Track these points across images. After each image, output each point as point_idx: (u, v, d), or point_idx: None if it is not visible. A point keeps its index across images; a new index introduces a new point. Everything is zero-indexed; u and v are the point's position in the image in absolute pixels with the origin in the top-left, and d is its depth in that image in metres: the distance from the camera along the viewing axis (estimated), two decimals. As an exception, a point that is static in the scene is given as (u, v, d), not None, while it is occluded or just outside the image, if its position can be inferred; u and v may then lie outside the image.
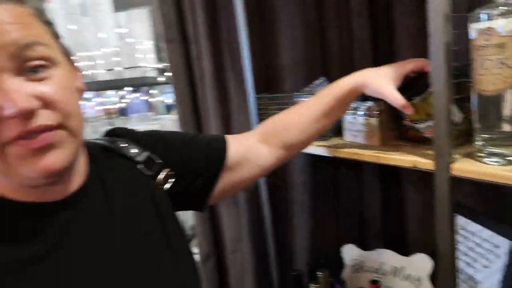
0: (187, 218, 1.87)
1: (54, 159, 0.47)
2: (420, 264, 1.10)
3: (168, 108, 3.23)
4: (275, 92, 1.21)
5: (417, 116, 0.78)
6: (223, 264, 1.52)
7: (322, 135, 1.07)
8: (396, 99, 0.73)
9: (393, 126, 0.95)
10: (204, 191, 0.74)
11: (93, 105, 4.53)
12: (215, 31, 1.31)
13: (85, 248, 0.53)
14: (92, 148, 0.62)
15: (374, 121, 0.93)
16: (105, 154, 0.63)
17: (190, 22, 1.34)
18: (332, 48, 1.23)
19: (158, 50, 1.85)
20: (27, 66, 0.45)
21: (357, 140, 0.98)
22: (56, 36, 0.52)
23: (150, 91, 4.21)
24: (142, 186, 0.64)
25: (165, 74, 1.75)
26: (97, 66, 1.72)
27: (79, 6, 1.70)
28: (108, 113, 3.28)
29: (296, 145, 0.84)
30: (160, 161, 0.67)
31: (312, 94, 1.10)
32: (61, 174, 0.50)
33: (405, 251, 1.19)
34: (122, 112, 3.75)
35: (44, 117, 0.46)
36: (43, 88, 0.46)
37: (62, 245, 0.52)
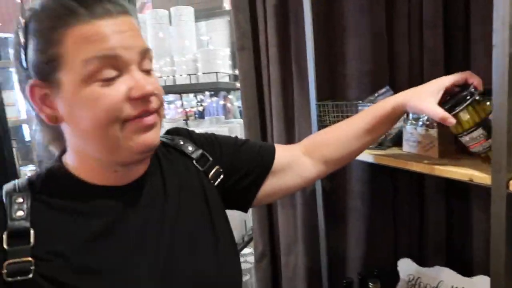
0: (248, 219, 1.95)
1: (155, 136, 0.61)
2: (483, 287, 1.04)
3: (241, 113, 3.38)
4: (338, 100, 1.23)
5: (461, 128, 0.76)
6: (277, 265, 1.56)
7: (380, 144, 1.08)
8: (435, 112, 0.73)
9: (455, 140, 0.93)
10: (250, 192, 0.81)
11: (175, 107, 4.88)
12: (284, 40, 1.38)
13: (143, 223, 0.64)
14: None
15: (433, 132, 0.91)
16: (164, 149, 0.74)
17: (262, 31, 1.42)
18: (401, 58, 1.23)
19: (234, 58, 1.97)
20: (143, 68, 0.59)
21: (415, 151, 0.97)
22: None
23: (228, 96, 4.42)
24: (195, 179, 0.74)
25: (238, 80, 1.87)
26: (179, 71, 1.88)
27: (166, 16, 1.89)
28: (187, 115, 3.54)
29: (336, 160, 0.87)
30: (212, 159, 0.76)
31: (374, 103, 1.12)
32: (152, 151, 0.63)
33: (467, 272, 1.13)
34: (200, 114, 4.00)
35: (155, 102, 0.60)
36: (152, 80, 0.60)
37: (128, 220, 0.62)
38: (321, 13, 1.30)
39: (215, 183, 0.76)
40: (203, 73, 1.82)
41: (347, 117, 1.17)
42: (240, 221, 1.95)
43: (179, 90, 1.85)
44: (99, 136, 0.56)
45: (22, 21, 0.55)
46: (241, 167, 0.79)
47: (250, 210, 1.74)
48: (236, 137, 0.86)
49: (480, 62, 1.07)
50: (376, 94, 1.17)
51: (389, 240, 1.31)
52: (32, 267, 0.53)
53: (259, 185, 0.81)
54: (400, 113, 0.82)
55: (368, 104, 1.16)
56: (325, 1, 1.30)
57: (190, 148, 0.75)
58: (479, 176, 0.75)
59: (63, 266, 0.55)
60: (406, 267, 1.23)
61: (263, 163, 0.81)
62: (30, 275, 0.53)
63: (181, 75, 1.83)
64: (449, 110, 0.73)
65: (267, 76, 1.44)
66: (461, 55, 1.17)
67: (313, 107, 1.21)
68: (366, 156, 1.02)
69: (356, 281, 1.25)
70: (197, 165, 0.75)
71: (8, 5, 4.53)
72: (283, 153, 0.84)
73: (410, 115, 1.00)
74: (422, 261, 1.26)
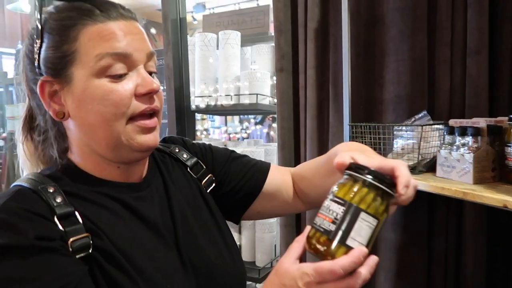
0: (278, 243, 1.92)
1: (155, 137, 0.64)
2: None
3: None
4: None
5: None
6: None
7: (412, 169, 1.04)
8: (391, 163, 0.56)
9: (493, 166, 0.88)
10: (239, 207, 0.82)
11: (219, 133, 5.00)
12: (322, 63, 1.40)
13: (157, 217, 0.67)
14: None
15: (469, 157, 0.87)
16: (160, 154, 0.78)
17: (301, 54, 1.45)
18: (441, 84, 1.20)
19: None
20: (147, 70, 0.63)
21: (450, 177, 0.93)
22: None
23: (273, 125, 4.49)
24: (191, 183, 0.77)
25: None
26: (221, 92, 1.95)
27: (214, 39, 1.98)
28: (230, 139, 3.61)
29: (311, 196, 0.81)
30: (205, 167, 0.79)
31: (409, 126, 1.09)
32: (151, 152, 0.66)
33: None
34: (243, 140, 4.09)
35: (157, 101, 0.64)
36: (156, 80, 0.64)
37: (146, 211, 0.65)
38: (360, 37, 1.31)
39: (207, 191, 0.78)
40: (242, 94, 1.87)
41: (382, 140, 1.15)
42: (270, 245, 1.92)
43: (220, 110, 1.91)
44: (104, 131, 0.59)
45: (38, 23, 0.60)
46: (231, 179, 0.80)
47: (278, 233, 1.71)
48: (234, 151, 0.86)
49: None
50: (413, 119, 1.14)
51: (422, 275, 1.22)
52: (91, 242, 0.57)
53: (248, 204, 0.81)
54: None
55: (403, 126, 1.13)
56: (365, 26, 1.31)
57: (185, 156, 0.79)
58: (515, 203, 0.69)
59: (110, 244, 0.58)
60: (438, 306, 1.14)
61: (254, 182, 0.80)
62: (90, 250, 0.56)
63: (220, 95, 1.89)
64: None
65: (304, 98, 1.45)
66: (507, 87, 1.12)
67: (346, 128, 1.20)
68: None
69: (383, 315, 1.18)
70: (191, 172, 0.78)
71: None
72: (276, 175, 0.83)
73: (445, 139, 0.96)
74: (457, 302, 1.16)
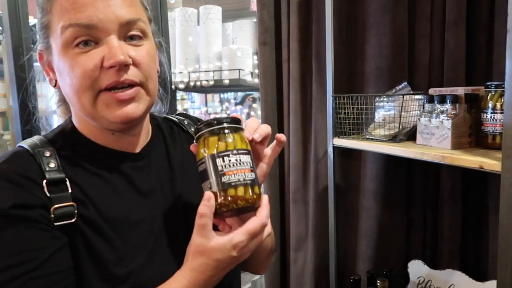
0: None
1: (133, 110, 0.60)
2: (494, 293, 1.00)
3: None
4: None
5: None
6: (286, 261, 1.56)
7: (393, 138, 1.08)
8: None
9: (470, 132, 0.92)
10: None
11: (200, 113, 4.95)
12: (305, 36, 1.40)
13: (155, 187, 0.67)
14: (159, 119, 0.77)
15: (448, 124, 0.91)
16: (169, 124, 0.78)
17: (284, 27, 1.45)
18: (421, 57, 1.23)
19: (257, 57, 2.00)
20: (128, 34, 0.59)
21: (429, 144, 0.96)
22: (150, 19, 0.67)
23: (253, 105, 4.49)
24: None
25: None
26: (203, 69, 1.93)
27: (195, 14, 1.95)
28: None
29: None
30: None
31: (390, 96, 1.12)
32: (134, 124, 0.64)
33: (481, 277, 1.09)
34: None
35: (132, 74, 0.59)
36: (136, 52, 0.60)
37: (143, 181, 0.66)
38: (343, 11, 1.32)
39: None
40: (226, 70, 1.86)
41: (363, 110, 1.18)
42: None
43: (201, 86, 1.89)
44: (77, 102, 0.59)
45: None
46: None
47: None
48: None
49: (503, 65, 1.05)
50: (393, 90, 1.17)
51: (401, 241, 1.28)
52: (76, 211, 0.57)
53: None
54: None
55: (385, 97, 1.16)
56: (348, 0, 1.32)
57: (193, 129, 0.78)
58: (489, 163, 0.73)
59: (96, 213, 0.59)
60: (416, 268, 1.20)
61: None
62: (74, 219, 0.56)
63: (201, 71, 1.87)
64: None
65: (287, 71, 1.46)
66: (483, 58, 1.16)
67: (330, 100, 1.22)
68: (375, 146, 1.02)
69: (364, 279, 1.23)
70: None
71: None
72: None
73: (425, 107, 1.00)
74: (434, 263, 1.23)
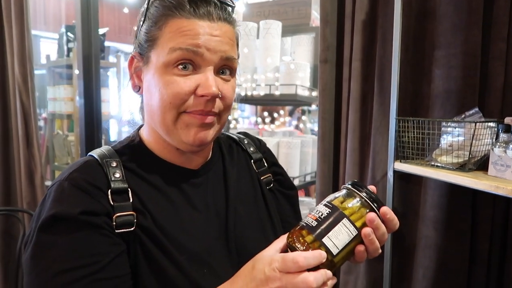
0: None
1: (207, 135, 0.65)
2: None
3: (312, 133, 3.40)
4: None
5: None
6: (336, 283, 1.51)
7: (461, 166, 1.02)
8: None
9: (552, 167, 0.85)
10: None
11: (249, 123, 5.01)
12: (368, 56, 1.38)
13: (209, 203, 0.70)
14: (222, 137, 0.81)
15: (526, 157, 0.84)
16: (229, 142, 0.81)
17: (347, 45, 1.43)
18: (495, 81, 1.16)
19: (314, 74, 1.99)
20: (221, 69, 0.64)
21: (504, 176, 0.90)
22: (238, 56, 0.70)
23: (302, 118, 4.47)
24: (252, 173, 0.79)
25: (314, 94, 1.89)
26: (260, 81, 1.96)
27: (255, 28, 1.99)
28: (265, 130, 3.64)
29: None
30: (267, 166, 0.82)
31: (460, 123, 1.06)
32: (202, 149, 0.68)
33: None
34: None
35: (217, 105, 0.64)
36: (224, 86, 0.65)
37: (200, 198, 0.69)
38: (410, 29, 1.28)
39: (267, 187, 0.81)
40: (282, 85, 1.87)
41: (429, 135, 1.13)
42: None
43: (257, 99, 1.91)
44: (159, 116, 0.63)
45: (145, 5, 0.65)
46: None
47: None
48: (296, 190, 0.89)
49: None
50: (463, 115, 1.11)
51: (462, 274, 1.20)
52: (135, 220, 0.61)
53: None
54: None
55: (452, 123, 1.10)
56: (416, 19, 1.28)
57: (251, 149, 0.82)
58: None
59: (153, 224, 0.62)
60: (479, 307, 1.12)
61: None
62: (133, 227, 0.60)
63: (258, 85, 1.90)
64: None
65: (347, 90, 1.44)
66: None
67: (392, 122, 1.18)
68: (442, 175, 0.97)
69: (420, 312, 1.17)
70: (253, 165, 0.81)
71: (120, 18, 5.12)
72: None
73: (500, 137, 0.94)
74: (499, 304, 1.14)
